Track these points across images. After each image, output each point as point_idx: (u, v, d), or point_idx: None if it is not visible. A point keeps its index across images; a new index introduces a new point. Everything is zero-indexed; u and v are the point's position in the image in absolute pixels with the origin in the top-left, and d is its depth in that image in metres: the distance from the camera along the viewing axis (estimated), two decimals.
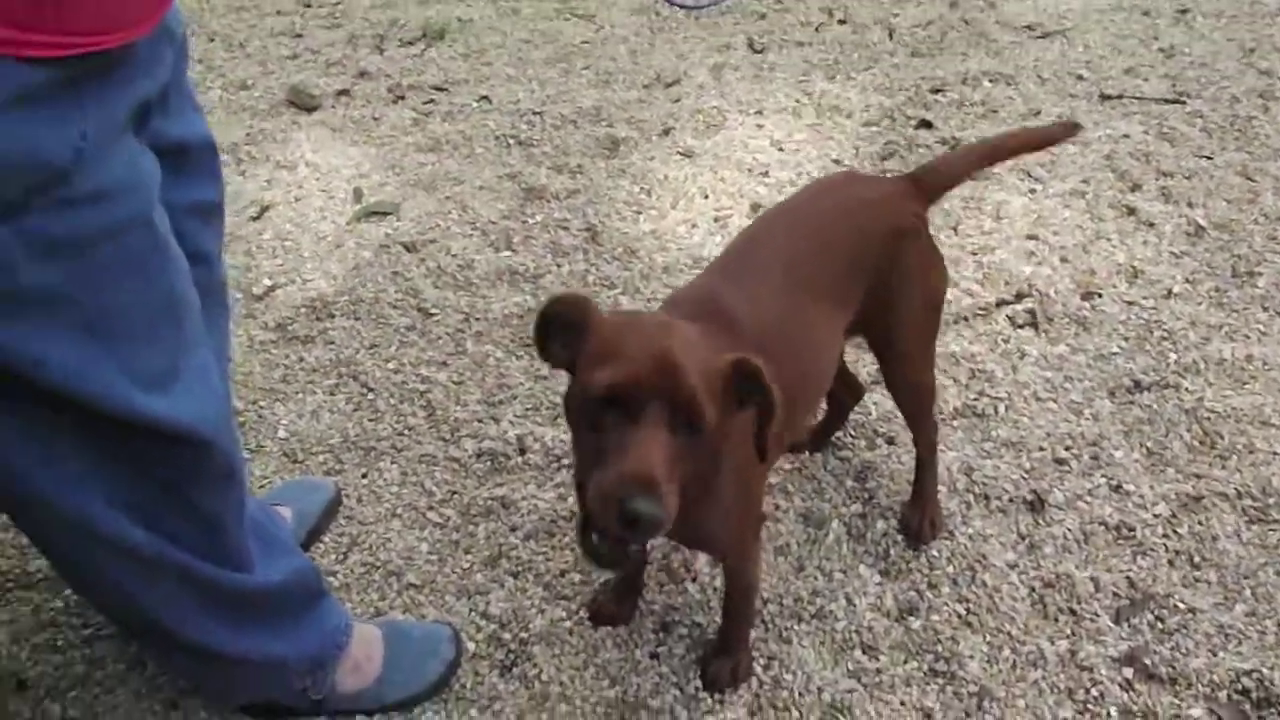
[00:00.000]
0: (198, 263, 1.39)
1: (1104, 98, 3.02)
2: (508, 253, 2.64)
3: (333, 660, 1.67)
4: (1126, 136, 2.85)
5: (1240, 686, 1.70)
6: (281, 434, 2.23)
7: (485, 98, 3.25)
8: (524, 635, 1.83)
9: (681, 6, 3.64)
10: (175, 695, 1.77)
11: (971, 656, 1.76)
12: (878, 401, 2.17)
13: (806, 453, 2.12)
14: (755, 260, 1.60)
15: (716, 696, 1.73)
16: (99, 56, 1.04)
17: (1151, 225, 2.57)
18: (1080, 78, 3.11)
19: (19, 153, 0.99)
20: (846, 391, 2.07)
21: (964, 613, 1.83)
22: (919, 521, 1.95)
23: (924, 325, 1.78)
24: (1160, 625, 1.80)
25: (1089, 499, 2.00)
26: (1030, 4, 3.51)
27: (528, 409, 2.23)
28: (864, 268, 1.64)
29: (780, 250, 1.60)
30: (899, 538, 1.95)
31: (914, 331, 1.77)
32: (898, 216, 1.68)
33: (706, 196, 2.76)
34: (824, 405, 2.10)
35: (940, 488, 2.00)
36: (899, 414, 2.12)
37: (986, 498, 2.01)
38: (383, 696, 1.72)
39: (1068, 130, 1.91)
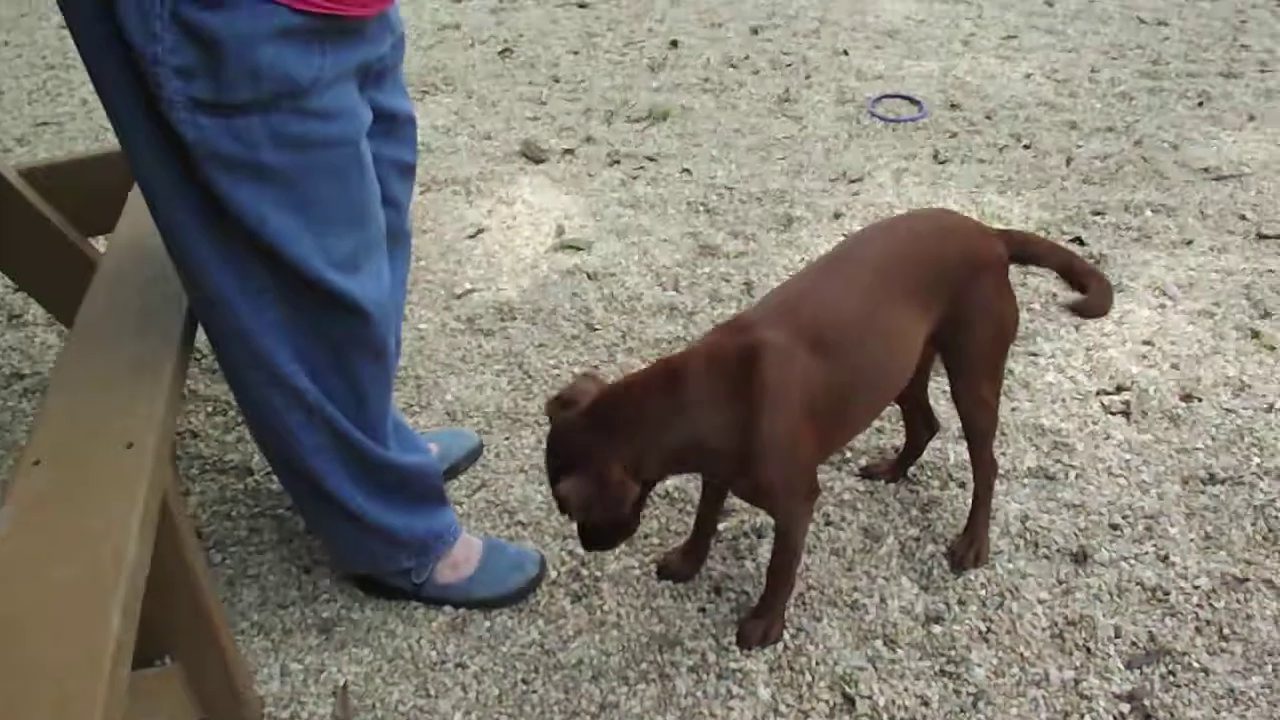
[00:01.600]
0: (389, 205, 1.82)
1: (1260, 237, 3.15)
2: (673, 292, 3.02)
3: (438, 552, 2.05)
4: (1272, 272, 2.97)
5: None
6: (449, 398, 2.65)
7: (687, 170, 3.68)
8: (598, 574, 2.15)
9: (882, 119, 3.99)
10: (310, 563, 2.19)
11: (980, 665, 1.95)
12: (957, 451, 2.39)
13: (884, 480, 2.36)
14: (847, 260, 1.93)
15: (745, 650, 2.00)
16: (338, 20, 1.48)
17: (1273, 349, 2.69)
18: (1242, 218, 3.24)
19: (277, 67, 1.42)
20: (924, 425, 2.32)
21: (984, 629, 2.02)
22: (965, 549, 2.16)
23: (990, 350, 2.02)
24: (1171, 678, 1.92)
25: (1133, 561, 2.14)
26: (1214, 149, 3.65)
27: None
28: (944, 285, 1.90)
29: (873, 254, 1.92)
30: (945, 562, 2.16)
31: (981, 353, 2.01)
32: (980, 249, 1.94)
33: None
34: (903, 439, 2.36)
35: (994, 528, 2.21)
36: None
37: (1036, 544, 2.19)
38: (469, 593, 2.08)
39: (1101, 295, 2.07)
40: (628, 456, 1.66)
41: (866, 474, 2.38)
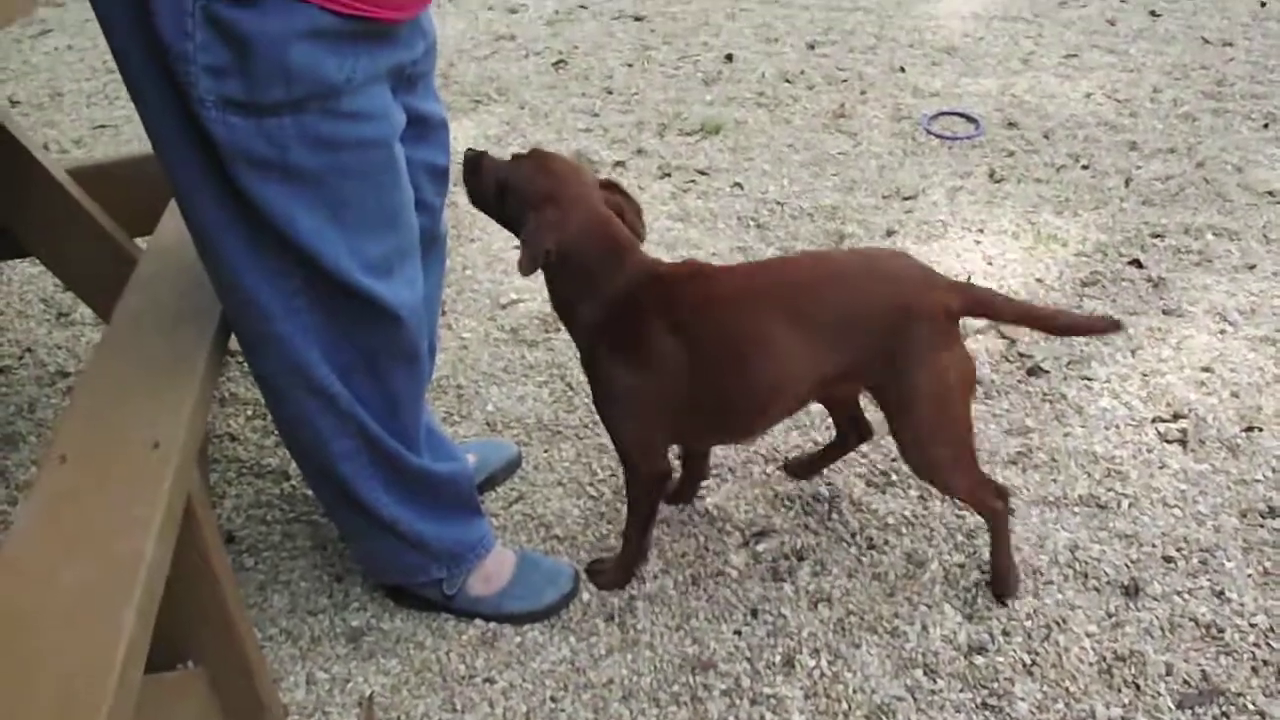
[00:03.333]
0: (422, 209, 1.80)
1: None
2: None
3: (470, 563, 2.02)
4: None
5: None
6: (489, 408, 2.63)
7: (738, 184, 3.64)
8: (633, 593, 2.11)
9: (939, 136, 3.92)
10: (342, 571, 2.17)
11: (1024, 699, 1.88)
12: (1005, 476, 2.32)
13: (800, 478, 2.36)
14: (767, 269, 2.07)
15: (782, 672, 1.94)
16: (371, 23, 1.46)
17: None
18: None
19: (308, 68, 1.40)
20: (852, 431, 2.27)
21: (1029, 662, 1.95)
22: (999, 583, 2.09)
23: (932, 408, 1.90)
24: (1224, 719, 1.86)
25: (1187, 596, 2.07)
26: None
27: None
28: (860, 330, 1.83)
29: (791, 276, 1.94)
30: (989, 590, 2.09)
31: (920, 410, 1.90)
32: (916, 298, 1.84)
33: None
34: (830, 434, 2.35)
35: (1042, 558, 2.14)
36: (1026, 488, 2.29)
37: (1085, 575, 2.11)
38: (501, 606, 2.05)
39: (1108, 326, 1.98)
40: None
41: (787, 470, 2.37)
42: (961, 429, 1.97)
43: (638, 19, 5.33)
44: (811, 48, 4.88)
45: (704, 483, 2.35)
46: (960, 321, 1.89)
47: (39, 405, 2.75)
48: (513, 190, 1.88)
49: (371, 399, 1.74)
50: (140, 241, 2.53)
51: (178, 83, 1.38)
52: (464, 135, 4.04)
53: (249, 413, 2.63)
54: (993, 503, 2.03)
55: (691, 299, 1.86)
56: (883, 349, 1.84)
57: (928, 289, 1.86)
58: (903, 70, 4.57)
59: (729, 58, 4.78)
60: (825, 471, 2.35)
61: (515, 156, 1.92)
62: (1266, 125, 3.94)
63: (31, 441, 2.61)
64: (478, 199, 1.97)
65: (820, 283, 1.89)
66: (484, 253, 3.30)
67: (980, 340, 2.78)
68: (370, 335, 1.68)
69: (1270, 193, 3.43)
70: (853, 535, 2.22)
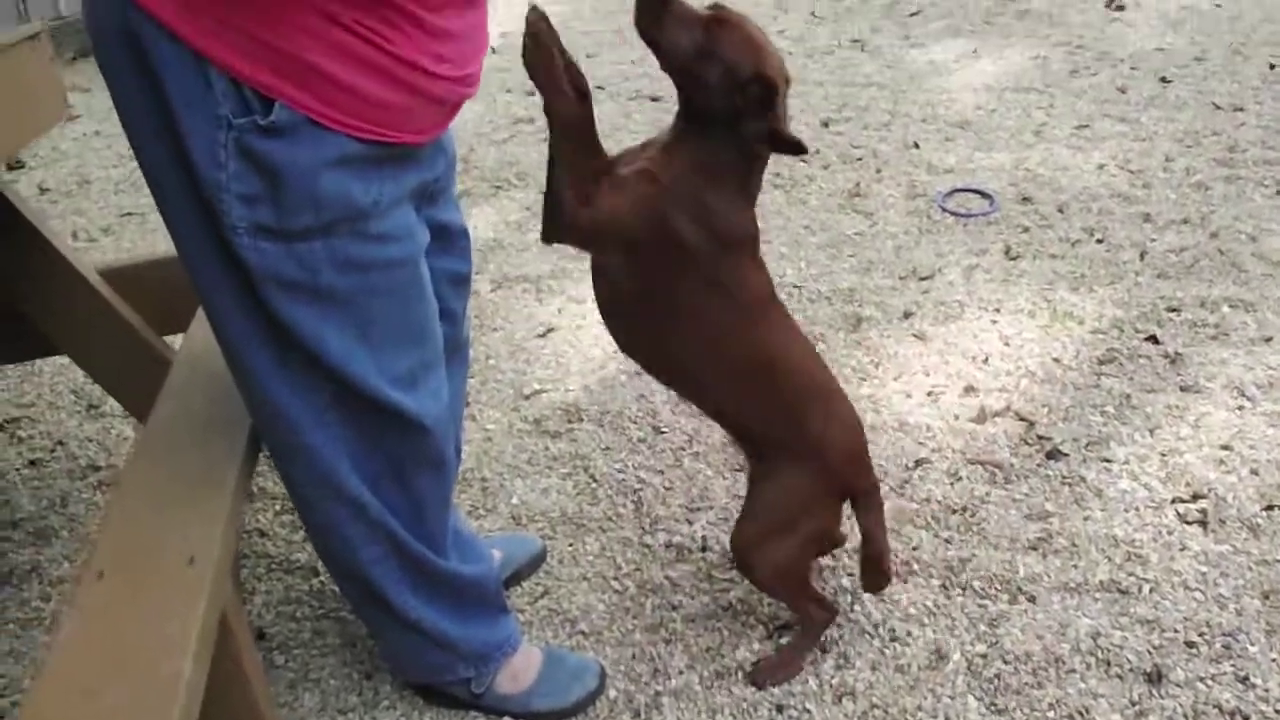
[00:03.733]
0: (445, 318, 1.86)
1: None
2: None
3: (497, 662, 2.05)
4: None
5: None
6: (514, 501, 2.67)
7: None
8: (659, 689, 2.13)
9: (953, 214, 3.97)
10: (371, 669, 2.19)
11: None
12: (1026, 564, 2.34)
13: None
14: (796, 338, 2.06)
15: None
16: (396, 147, 1.53)
17: None
18: None
19: (337, 194, 1.47)
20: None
21: None
22: (768, 668, 2.15)
23: (771, 508, 2.08)
24: None
25: (1211, 683, 2.06)
26: None
27: (720, 518, 2.56)
28: (786, 421, 2.02)
29: (804, 352, 2.07)
30: (1012, 680, 2.10)
31: (761, 501, 2.10)
32: (834, 453, 2.05)
33: (927, 374, 3.04)
34: None
35: (1064, 646, 2.15)
36: (1047, 574, 2.30)
37: (1108, 663, 2.12)
38: (528, 704, 2.07)
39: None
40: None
41: None
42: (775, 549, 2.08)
43: (654, 100, 5.42)
44: (826, 125, 4.96)
45: (725, 575, 2.38)
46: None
47: (71, 499, 2.80)
48: (720, 62, 1.72)
49: (399, 506, 1.79)
50: (169, 339, 2.60)
51: (210, 209, 1.44)
52: (484, 221, 4.13)
53: (277, 508, 2.68)
54: (817, 612, 2.17)
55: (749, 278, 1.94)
56: (783, 439, 2.04)
57: (848, 460, 2.08)
58: (917, 146, 4.64)
59: None
60: (847, 563, 2.37)
61: (709, 19, 1.75)
62: (1279, 192, 3.97)
63: (64, 536, 2.66)
64: (660, 45, 1.76)
65: (805, 356, 2.07)
66: (506, 342, 3.35)
67: (999, 423, 2.81)
68: (398, 445, 1.73)
69: None
70: (875, 627, 2.23)
